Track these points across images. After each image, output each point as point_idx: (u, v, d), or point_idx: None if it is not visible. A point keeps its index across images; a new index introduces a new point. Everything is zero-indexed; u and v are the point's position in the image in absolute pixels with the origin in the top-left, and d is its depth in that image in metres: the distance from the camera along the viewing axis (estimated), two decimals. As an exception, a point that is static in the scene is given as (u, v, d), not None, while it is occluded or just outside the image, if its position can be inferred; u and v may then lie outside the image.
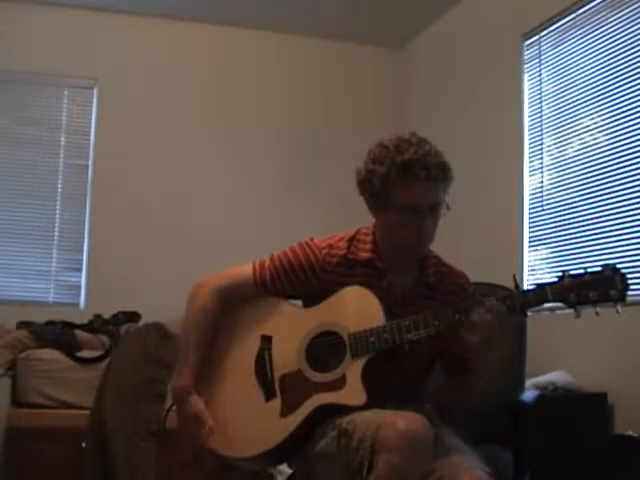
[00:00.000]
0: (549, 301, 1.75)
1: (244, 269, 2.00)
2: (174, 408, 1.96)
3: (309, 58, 5.21)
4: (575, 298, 1.72)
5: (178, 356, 1.98)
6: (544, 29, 3.83)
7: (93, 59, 4.80)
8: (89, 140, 4.79)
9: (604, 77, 3.41)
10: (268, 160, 5.04)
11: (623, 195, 3.24)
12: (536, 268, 3.79)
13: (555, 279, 1.76)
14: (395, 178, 1.84)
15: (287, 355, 1.91)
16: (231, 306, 2.00)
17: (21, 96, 4.75)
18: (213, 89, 5.02)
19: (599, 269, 1.73)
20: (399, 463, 1.60)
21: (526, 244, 3.85)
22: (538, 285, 1.78)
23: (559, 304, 1.76)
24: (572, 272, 1.75)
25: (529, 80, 3.95)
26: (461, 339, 1.80)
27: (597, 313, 1.73)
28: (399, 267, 1.95)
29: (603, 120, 3.41)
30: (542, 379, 3.08)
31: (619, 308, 1.70)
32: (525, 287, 3.39)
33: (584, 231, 3.46)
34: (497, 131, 4.19)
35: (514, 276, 1.83)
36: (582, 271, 1.74)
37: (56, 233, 4.70)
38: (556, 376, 3.12)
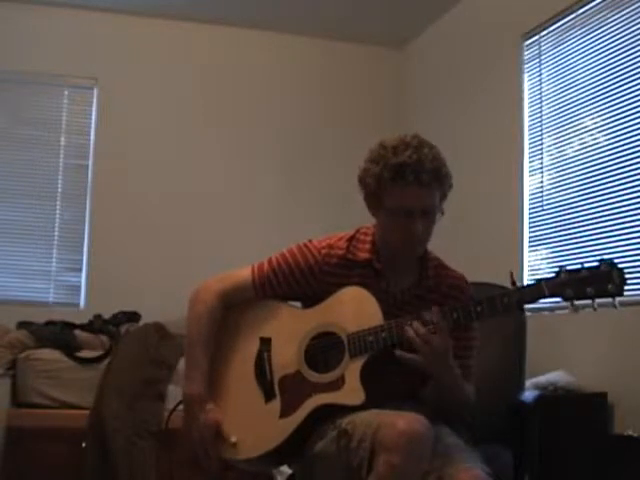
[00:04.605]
0: (546, 296, 1.75)
1: (243, 272, 2.00)
2: (178, 408, 1.96)
3: (309, 58, 5.21)
4: (572, 293, 1.72)
5: (186, 360, 1.97)
6: (544, 29, 3.83)
7: (93, 59, 4.80)
8: (89, 140, 4.79)
9: (604, 77, 3.41)
10: (268, 160, 5.04)
11: (623, 195, 3.24)
12: (536, 268, 3.79)
13: (552, 275, 1.76)
14: (387, 179, 1.84)
15: (286, 356, 1.91)
16: (230, 309, 2.00)
17: (21, 96, 4.74)
18: (213, 89, 5.02)
19: (596, 264, 1.72)
20: (399, 463, 1.60)
21: (526, 244, 3.84)
22: (535, 281, 1.78)
23: (559, 304, 1.75)
24: (569, 268, 1.75)
25: (529, 80, 3.95)
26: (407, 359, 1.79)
27: (595, 309, 1.72)
28: (398, 268, 1.95)
29: (603, 120, 3.41)
30: (542, 379, 3.08)
31: (616, 303, 1.70)
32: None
33: (584, 231, 3.45)
34: (497, 131, 4.19)
35: (511, 272, 1.83)
36: (579, 267, 1.74)
37: (56, 233, 4.70)
38: (556, 376, 3.12)
